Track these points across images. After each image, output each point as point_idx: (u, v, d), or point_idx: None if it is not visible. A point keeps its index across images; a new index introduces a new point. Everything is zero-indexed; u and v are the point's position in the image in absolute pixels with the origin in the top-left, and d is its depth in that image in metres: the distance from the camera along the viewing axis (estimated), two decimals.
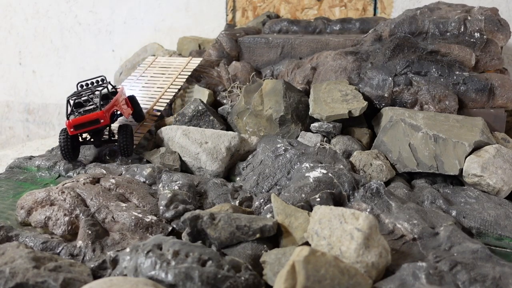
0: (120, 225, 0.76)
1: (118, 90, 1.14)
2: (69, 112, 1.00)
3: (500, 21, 1.16)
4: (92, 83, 1.09)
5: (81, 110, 1.01)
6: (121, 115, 1.15)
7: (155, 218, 0.78)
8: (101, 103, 1.00)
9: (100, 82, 1.10)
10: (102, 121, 0.97)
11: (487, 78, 1.11)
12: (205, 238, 0.68)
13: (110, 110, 1.01)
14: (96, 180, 0.90)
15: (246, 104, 1.16)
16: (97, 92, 1.06)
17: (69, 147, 1.01)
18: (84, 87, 1.09)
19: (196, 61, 1.45)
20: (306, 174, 0.88)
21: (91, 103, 1.01)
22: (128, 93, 1.27)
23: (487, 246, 0.71)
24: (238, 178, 1.01)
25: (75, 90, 1.10)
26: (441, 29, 1.18)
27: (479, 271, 0.60)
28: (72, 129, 0.97)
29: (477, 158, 0.88)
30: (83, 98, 1.03)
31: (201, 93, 1.33)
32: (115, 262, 0.63)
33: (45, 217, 0.79)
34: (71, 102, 1.01)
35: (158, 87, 1.37)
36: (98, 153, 1.11)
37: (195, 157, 1.02)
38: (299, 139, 1.08)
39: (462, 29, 1.17)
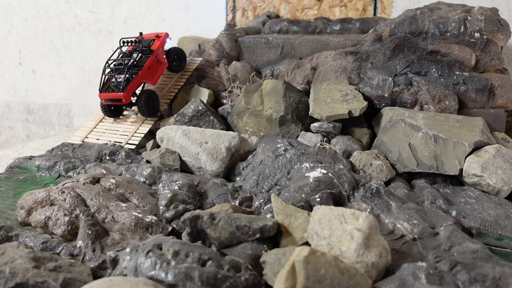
0: (120, 225, 0.76)
1: (156, 44, 1.29)
2: (104, 79, 1.23)
3: (500, 21, 1.16)
4: (131, 42, 1.29)
5: (112, 81, 1.22)
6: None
7: (155, 218, 0.78)
8: (124, 84, 1.19)
9: (137, 44, 1.28)
10: (123, 100, 1.19)
11: (487, 78, 1.11)
12: (205, 238, 0.68)
13: (132, 90, 1.21)
14: (96, 180, 0.90)
15: (246, 104, 1.16)
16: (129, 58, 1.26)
17: (106, 107, 1.27)
18: (126, 44, 1.30)
19: (196, 61, 1.45)
20: (306, 174, 0.88)
21: (113, 80, 1.21)
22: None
23: (487, 246, 0.71)
24: (238, 178, 1.01)
25: (118, 45, 1.37)
26: (441, 29, 1.18)
27: (479, 271, 0.60)
28: (103, 101, 1.23)
29: (477, 158, 0.88)
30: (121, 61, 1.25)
31: (201, 93, 1.33)
32: (115, 262, 0.63)
33: (45, 217, 0.79)
34: (108, 68, 1.25)
35: (158, 87, 1.37)
36: (98, 153, 1.11)
37: (195, 157, 1.02)
38: (299, 139, 1.08)
39: (462, 29, 1.17)
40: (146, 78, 1.24)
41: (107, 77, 1.24)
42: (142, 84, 1.26)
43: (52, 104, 2.25)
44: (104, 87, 1.22)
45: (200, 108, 1.19)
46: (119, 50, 1.29)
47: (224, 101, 1.34)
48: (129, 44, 1.29)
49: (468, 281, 0.59)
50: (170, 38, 1.36)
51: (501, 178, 0.86)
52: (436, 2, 1.31)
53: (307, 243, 0.68)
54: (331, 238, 0.62)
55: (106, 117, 1.30)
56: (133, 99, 1.26)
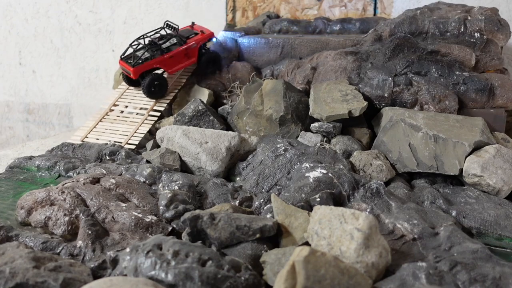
0: (120, 225, 0.76)
1: (194, 38, 1.34)
2: (127, 52, 1.31)
3: (500, 21, 1.16)
4: (173, 28, 1.34)
5: (135, 54, 1.28)
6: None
7: (155, 218, 0.78)
8: (140, 62, 1.26)
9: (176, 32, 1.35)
10: (131, 75, 1.26)
11: (487, 78, 1.11)
12: (205, 238, 0.68)
13: (142, 70, 1.27)
14: (96, 180, 0.90)
15: (246, 104, 1.16)
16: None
17: (125, 75, 1.34)
18: (169, 27, 1.36)
19: None
20: (306, 174, 0.88)
21: (136, 54, 1.28)
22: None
23: (487, 246, 0.71)
24: (238, 178, 1.01)
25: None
26: (441, 29, 1.18)
27: (479, 271, 0.61)
28: (120, 68, 1.31)
29: (477, 158, 0.88)
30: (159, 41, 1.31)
31: (201, 93, 1.33)
32: (115, 262, 0.63)
33: (45, 217, 0.79)
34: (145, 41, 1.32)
35: None
36: (98, 153, 1.11)
37: (195, 157, 1.02)
38: (299, 139, 1.08)
39: (462, 29, 1.17)
40: (163, 65, 1.29)
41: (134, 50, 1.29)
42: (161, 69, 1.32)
43: (52, 104, 2.25)
44: (127, 57, 1.28)
45: (200, 108, 1.19)
46: (161, 30, 1.35)
47: (224, 101, 1.34)
48: (171, 29, 1.34)
49: (468, 281, 0.59)
50: (216, 38, 1.41)
51: (501, 178, 0.86)
52: (436, 2, 1.31)
53: (307, 243, 0.68)
54: (331, 238, 0.62)
55: (105, 117, 1.30)
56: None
